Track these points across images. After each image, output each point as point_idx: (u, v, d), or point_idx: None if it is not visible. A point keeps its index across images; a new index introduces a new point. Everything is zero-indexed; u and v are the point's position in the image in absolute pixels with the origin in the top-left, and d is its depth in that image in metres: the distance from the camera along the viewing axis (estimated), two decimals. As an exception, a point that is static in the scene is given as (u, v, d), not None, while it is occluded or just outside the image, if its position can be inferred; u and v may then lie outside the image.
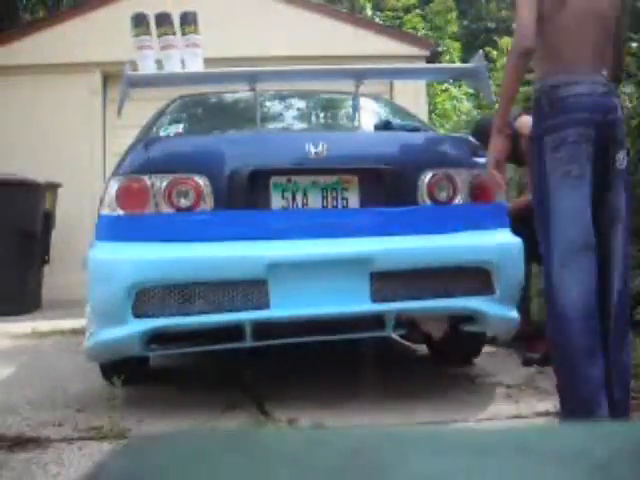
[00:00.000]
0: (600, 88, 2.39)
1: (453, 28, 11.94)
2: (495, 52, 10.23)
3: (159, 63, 3.44)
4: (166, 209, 2.92)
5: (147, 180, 2.91)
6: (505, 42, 10.43)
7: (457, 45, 11.85)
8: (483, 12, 16.80)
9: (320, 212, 3.03)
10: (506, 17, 16.61)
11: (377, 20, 11.91)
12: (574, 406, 2.29)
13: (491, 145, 2.49)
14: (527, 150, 2.56)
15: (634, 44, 5.53)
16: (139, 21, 3.46)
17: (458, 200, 3.13)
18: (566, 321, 2.29)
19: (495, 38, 11.02)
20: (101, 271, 2.94)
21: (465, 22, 14.50)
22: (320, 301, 2.86)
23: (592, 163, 2.35)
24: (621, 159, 2.42)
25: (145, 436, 2.14)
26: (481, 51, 3.48)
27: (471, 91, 11.34)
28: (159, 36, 3.44)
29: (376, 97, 4.31)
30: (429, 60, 8.35)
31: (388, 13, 12.08)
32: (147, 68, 3.38)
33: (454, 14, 11.96)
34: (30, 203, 6.44)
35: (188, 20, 3.47)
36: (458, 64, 9.86)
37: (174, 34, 3.43)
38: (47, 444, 2.51)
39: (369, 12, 12.19)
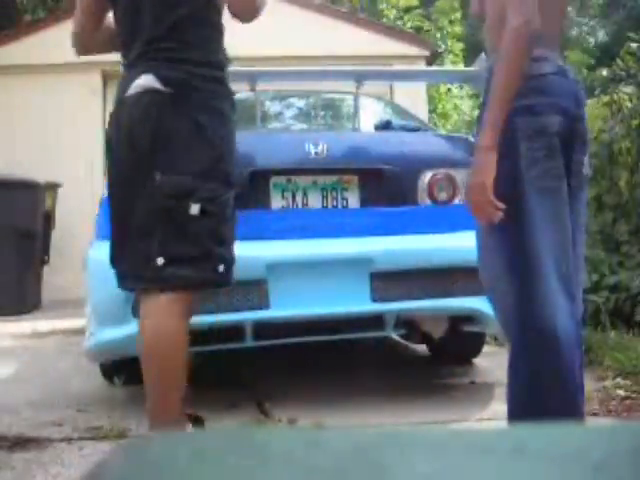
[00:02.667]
0: (572, 72, 1.97)
1: (457, 29, 11.92)
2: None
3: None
4: (166, 209, 2.92)
5: (147, 180, 2.91)
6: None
7: (460, 46, 11.84)
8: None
9: (320, 212, 3.03)
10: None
11: (390, 17, 11.89)
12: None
13: (484, 166, 1.83)
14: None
15: (634, 44, 5.53)
16: None
17: (458, 200, 3.13)
18: (559, 346, 1.82)
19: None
20: (101, 271, 2.93)
21: (469, 22, 14.49)
22: (320, 301, 2.86)
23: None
24: (586, 164, 2.01)
25: (145, 436, 2.14)
26: (484, 54, 3.47)
27: (472, 91, 11.35)
28: None
29: (376, 97, 4.31)
30: (429, 60, 8.35)
31: (399, 13, 12.07)
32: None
33: (458, 14, 11.95)
34: (30, 203, 6.44)
35: None
36: (461, 67, 9.86)
37: None
38: (47, 444, 2.51)
39: (391, 11, 12.15)
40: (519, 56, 1.81)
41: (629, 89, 5.24)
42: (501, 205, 1.80)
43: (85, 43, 2.45)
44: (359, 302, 2.88)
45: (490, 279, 2.04)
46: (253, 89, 3.30)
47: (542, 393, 1.84)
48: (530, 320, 1.85)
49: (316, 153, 3.00)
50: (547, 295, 1.83)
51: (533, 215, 1.84)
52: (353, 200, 3.07)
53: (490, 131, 1.81)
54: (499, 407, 2.90)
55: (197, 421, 2.40)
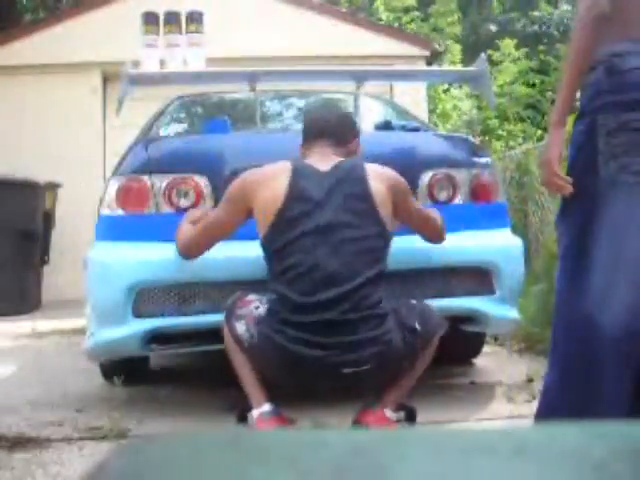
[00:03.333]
0: None
1: (455, 30, 11.93)
2: (497, 54, 10.23)
3: (162, 62, 3.44)
4: (166, 209, 2.93)
5: (147, 180, 2.91)
6: (507, 44, 10.42)
7: (457, 47, 11.84)
8: (489, 13, 16.81)
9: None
10: (509, 19, 16.63)
11: (384, 18, 11.89)
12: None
13: (551, 143, 1.96)
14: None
15: None
16: (149, 19, 3.47)
17: (458, 200, 3.13)
18: (602, 344, 1.80)
19: (497, 41, 11.01)
20: (101, 271, 2.94)
21: (467, 23, 14.51)
22: (320, 301, 2.86)
23: None
24: None
25: (145, 436, 2.14)
26: (483, 54, 3.47)
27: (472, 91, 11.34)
28: (166, 34, 3.45)
29: (376, 97, 4.31)
30: (429, 60, 8.35)
31: (394, 14, 12.07)
32: (150, 67, 3.38)
33: (456, 16, 11.96)
34: (30, 203, 6.44)
35: (194, 19, 3.47)
36: (460, 67, 9.86)
37: (180, 33, 3.44)
38: (47, 444, 2.51)
39: (381, 8, 12.15)
40: (582, 37, 1.89)
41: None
42: (568, 179, 1.90)
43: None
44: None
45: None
46: (253, 89, 3.30)
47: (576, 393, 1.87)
48: (573, 307, 1.87)
49: (316, 153, 2.99)
50: (598, 285, 1.84)
51: (603, 210, 1.86)
52: (353, 200, 3.06)
53: (558, 107, 1.93)
54: (499, 407, 2.90)
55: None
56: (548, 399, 1.92)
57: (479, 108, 10.31)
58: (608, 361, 1.80)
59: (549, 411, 1.89)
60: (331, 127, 2.70)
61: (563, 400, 1.88)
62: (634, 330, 1.80)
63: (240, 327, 2.49)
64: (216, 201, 2.94)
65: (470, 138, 3.45)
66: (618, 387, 1.81)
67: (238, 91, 3.89)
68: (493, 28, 16.51)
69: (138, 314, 2.78)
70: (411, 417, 2.49)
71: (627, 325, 1.79)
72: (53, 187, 6.87)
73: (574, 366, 1.86)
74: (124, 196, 2.93)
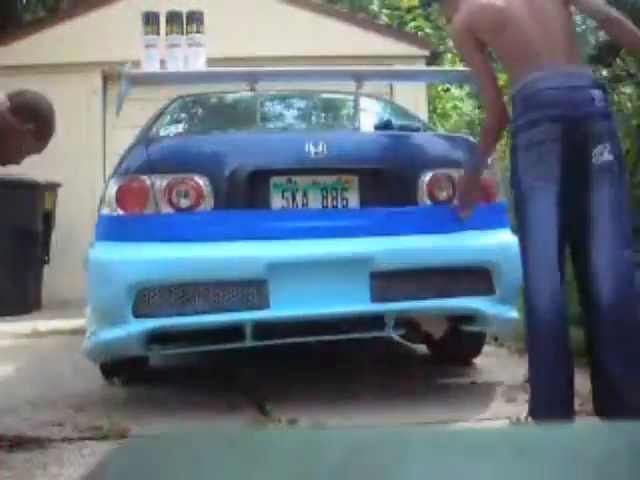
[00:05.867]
0: (570, 81, 2.30)
1: (456, 29, 11.91)
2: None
3: (163, 62, 3.44)
4: (166, 209, 2.93)
5: (147, 180, 2.91)
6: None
7: None
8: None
9: (320, 212, 3.03)
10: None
11: (383, 18, 11.88)
12: (541, 406, 2.29)
13: (465, 185, 2.79)
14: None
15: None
16: (149, 19, 3.47)
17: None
18: (538, 321, 2.29)
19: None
20: (101, 271, 2.94)
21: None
22: (320, 301, 2.86)
23: (566, 163, 2.25)
24: (598, 154, 2.27)
25: (145, 436, 2.13)
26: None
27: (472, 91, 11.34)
28: (167, 34, 3.45)
29: (376, 97, 4.31)
30: (429, 60, 8.34)
31: (394, 12, 12.07)
32: (150, 67, 3.38)
33: None
34: (30, 203, 6.44)
35: (194, 19, 3.47)
36: (460, 67, 9.84)
37: (182, 33, 3.44)
38: (47, 444, 2.51)
39: (375, 8, 12.15)
40: (485, 139, 2.67)
41: (629, 89, 5.24)
42: (465, 213, 2.98)
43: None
44: (359, 302, 2.88)
45: None
46: (253, 89, 3.31)
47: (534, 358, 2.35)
48: (526, 295, 2.39)
49: (316, 153, 2.99)
50: (531, 275, 2.35)
51: (525, 211, 2.33)
52: (353, 200, 3.06)
53: (476, 162, 2.82)
54: (499, 407, 2.90)
55: None
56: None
57: (479, 108, 10.30)
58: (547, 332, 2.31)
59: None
60: None
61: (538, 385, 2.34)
62: (558, 315, 2.28)
63: None
64: (216, 201, 2.95)
65: (470, 138, 3.45)
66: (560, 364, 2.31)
67: (238, 91, 3.89)
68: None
69: (138, 314, 2.78)
70: None
71: (554, 313, 2.27)
72: (53, 187, 6.87)
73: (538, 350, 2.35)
74: (124, 196, 2.93)
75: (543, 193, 2.27)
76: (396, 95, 7.33)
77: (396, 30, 9.55)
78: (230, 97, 4.13)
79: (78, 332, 4.19)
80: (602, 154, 2.27)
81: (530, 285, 2.34)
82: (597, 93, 2.31)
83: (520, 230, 2.38)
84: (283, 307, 2.83)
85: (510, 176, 2.40)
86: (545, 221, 2.29)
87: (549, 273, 2.29)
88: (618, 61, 5.63)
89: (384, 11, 12.21)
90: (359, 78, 3.41)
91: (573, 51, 2.40)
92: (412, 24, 11.68)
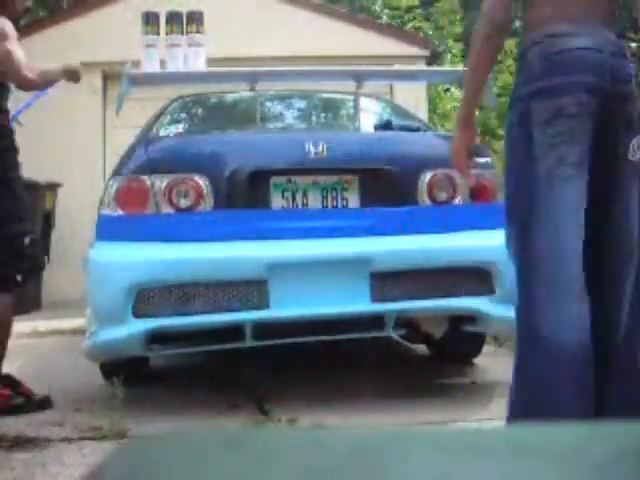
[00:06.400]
0: (611, 46, 1.76)
1: (457, 29, 11.91)
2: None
3: (163, 62, 3.44)
4: (166, 209, 2.93)
5: (147, 180, 2.91)
6: (509, 44, 10.41)
7: (459, 46, 11.84)
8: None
9: (320, 212, 3.03)
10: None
11: (384, 18, 11.88)
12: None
13: (456, 137, 1.97)
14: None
15: (633, 44, 5.53)
16: (149, 19, 3.47)
17: (458, 200, 3.13)
18: (556, 366, 1.69)
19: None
20: (101, 271, 2.94)
21: (467, 22, 14.50)
22: (320, 301, 2.86)
23: (597, 149, 1.73)
24: (636, 148, 1.76)
25: (145, 436, 2.13)
26: None
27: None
28: (167, 34, 3.45)
29: (376, 97, 4.31)
30: (429, 60, 8.34)
31: (395, 12, 12.06)
32: (150, 67, 3.38)
33: (458, 16, 11.94)
34: (30, 203, 6.42)
35: (194, 19, 3.48)
36: (460, 68, 9.85)
37: (182, 33, 3.44)
38: (47, 444, 2.51)
39: (377, 8, 12.15)
40: (476, 52, 1.85)
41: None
42: (469, 173, 2.17)
43: None
44: (359, 302, 2.88)
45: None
46: (253, 89, 3.30)
47: (536, 405, 1.73)
48: (528, 325, 1.75)
49: (316, 153, 3.00)
50: (546, 299, 1.70)
51: (544, 204, 1.71)
52: (353, 200, 3.06)
53: (460, 121, 1.99)
54: (499, 407, 2.90)
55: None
56: (513, 402, 1.82)
57: (480, 108, 10.30)
58: (565, 377, 1.69)
59: (516, 412, 1.79)
60: None
61: (527, 408, 1.77)
62: (585, 344, 1.68)
63: None
64: (216, 201, 2.95)
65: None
66: (579, 402, 1.69)
67: (238, 91, 3.89)
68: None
69: (138, 314, 2.78)
70: None
71: (578, 341, 1.68)
72: (53, 187, 6.86)
73: (535, 382, 1.76)
74: (124, 196, 2.93)
75: (571, 184, 1.70)
76: (396, 95, 7.33)
77: (396, 30, 9.54)
78: (230, 97, 4.13)
79: (78, 332, 4.19)
80: (631, 152, 1.78)
81: (544, 312, 1.71)
82: (633, 70, 1.82)
83: (525, 230, 1.75)
84: (283, 307, 2.83)
85: (510, 157, 1.81)
86: (573, 221, 1.71)
87: (575, 296, 1.69)
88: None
89: (385, 11, 12.22)
90: (359, 78, 3.41)
91: (612, 13, 1.86)
92: (412, 24, 11.67)
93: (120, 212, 2.93)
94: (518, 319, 1.81)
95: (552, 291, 1.71)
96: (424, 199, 3.08)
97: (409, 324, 3.21)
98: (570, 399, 1.68)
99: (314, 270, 2.88)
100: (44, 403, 3.08)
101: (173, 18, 3.47)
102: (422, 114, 7.02)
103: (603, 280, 1.77)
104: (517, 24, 16.08)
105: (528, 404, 1.75)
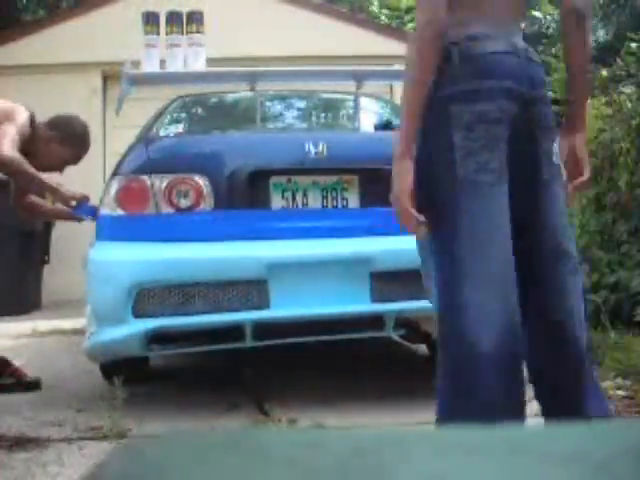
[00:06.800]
0: (526, 51, 1.71)
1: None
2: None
3: (163, 62, 3.45)
4: (166, 209, 2.93)
5: (147, 180, 2.91)
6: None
7: None
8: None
9: (320, 212, 3.03)
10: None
11: (383, 18, 11.89)
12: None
13: (398, 175, 1.65)
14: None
15: (634, 44, 5.53)
16: (149, 19, 3.47)
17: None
18: (480, 370, 1.61)
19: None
20: (101, 271, 2.94)
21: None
22: (320, 301, 2.86)
23: (514, 156, 1.66)
24: (551, 154, 1.72)
25: (145, 436, 2.14)
26: None
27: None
28: (168, 34, 3.45)
29: (376, 97, 4.31)
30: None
31: (394, 13, 12.08)
32: (150, 67, 3.38)
33: None
34: (30, 203, 6.43)
35: (195, 19, 3.48)
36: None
37: (182, 33, 3.44)
38: (47, 444, 2.51)
39: (375, 9, 12.16)
40: (423, 60, 1.64)
41: (629, 89, 5.24)
42: (420, 217, 1.64)
43: None
44: (359, 302, 2.88)
45: (426, 282, 1.85)
46: (253, 89, 3.30)
47: (461, 411, 1.64)
48: (450, 329, 1.67)
49: (316, 153, 3.00)
50: (470, 302, 1.62)
51: (463, 215, 1.63)
52: (353, 200, 3.06)
53: (403, 139, 1.65)
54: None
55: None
56: (441, 403, 1.72)
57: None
58: (489, 379, 1.60)
59: (445, 415, 1.69)
60: None
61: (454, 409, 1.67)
62: (513, 350, 1.61)
63: None
64: (216, 201, 2.95)
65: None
66: (507, 401, 1.62)
67: (238, 91, 3.89)
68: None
69: (138, 314, 2.79)
70: None
71: (506, 346, 1.60)
72: (53, 187, 6.87)
73: (458, 383, 1.66)
74: (124, 196, 2.93)
75: (492, 191, 1.63)
76: (396, 95, 7.33)
77: (396, 30, 9.55)
78: (230, 97, 4.13)
79: (78, 332, 4.19)
80: (555, 154, 1.73)
81: (467, 313, 1.62)
82: (543, 73, 1.77)
83: (445, 233, 1.67)
84: (283, 307, 2.83)
85: (426, 155, 1.67)
86: (497, 228, 1.64)
87: (502, 297, 1.62)
88: (618, 61, 5.63)
89: (384, 11, 12.22)
90: (359, 78, 3.41)
91: (524, 15, 1.82)
92: (412, 24, 11.68)
93: (120, 212, 2.93)
94: (441, 320, 1.72)
95: (473, 295, 1.62)
96: (424, 199, 3.08)
97: (409, 324, 3.21)
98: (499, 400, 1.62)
99: (314, 270, 2.88)
100: (32, 384, 3.13)
101: (173, 18, 3.47)
102: (422, 114, 7.02)
103: (527, 284, 1.69)
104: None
105: (454, 404, 1.68)
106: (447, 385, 1.69)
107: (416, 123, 1.64)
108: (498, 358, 1.59)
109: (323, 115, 4.22)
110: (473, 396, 1.62)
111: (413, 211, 1.63)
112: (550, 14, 16.14)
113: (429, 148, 1.67)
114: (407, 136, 1.65)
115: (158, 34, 3.46)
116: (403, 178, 1.63)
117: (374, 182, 3.07)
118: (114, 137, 7.38)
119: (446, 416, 1.67)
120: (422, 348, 4.01)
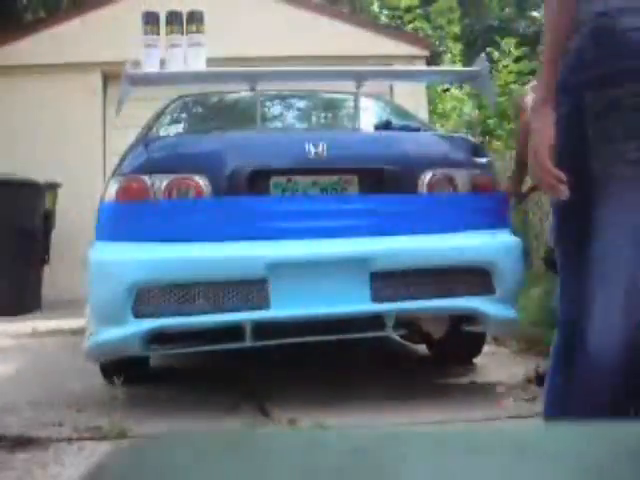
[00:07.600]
0: None
1: (455, 29, 11.93)
2: (497, 53, 10.21)
3: (163, 62, 3.44)
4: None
5: (147, 180, 2.91)
6: (507, 42, 10.42)
7: (458, 46, 11.84)
8: (488, 12, 16.80)
9: (320, 212, 3.03)
10: (508, 17, 16.62)
11: (383, 18, 11.90)
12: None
13: (538, 128, 1.54)
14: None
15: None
16: (149, 19, 3.47)
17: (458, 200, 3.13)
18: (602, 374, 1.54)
19: (497, 39, 11.01)
20: (101, 271, 2.94)
21: (467, 21, 14.50)
22: (320, 301, 2.86)
23: None
24: None
25: (145, 436, 2.15)
26: (483, 54, 3.48)
27: (472, 91, 11.34)
28: (168, 34, 3.45)
29: (376, 97, 4.31)
30: (429, 60, 8.35)
31: (394, 12, 12.08)
32: (150, 67, 3.38)
33: (456, 15, 11.95)
34: (30, 203, 6.44)
35: (195, 19, 3.48)
36: (460, 67, 9.86)
37: (182, 33, 3.44)
38: (47, 444, 2.51)
39: (376, 9, 12.17)
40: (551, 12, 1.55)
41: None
42: (560, 174, 1.49)
43: None
44: (359, 302, 2.88)
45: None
46: (253, 89, 3.31)
47: (566, 407, 1.61)
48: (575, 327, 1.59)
49: (316, 153, 3.00)
50: (595, 309, 1.53)
51: (599, 212, 1.51)
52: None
53: (543, 83, 1.55)
54: (499, 407, 2.90)
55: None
56: (552, 399, 1.68)
57: (480, 108, 10.30)
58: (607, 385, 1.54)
59: (555, 410, 1.66)
60: None
61: (570, 403, 1.62)
62: (632, 365, 1.53)
63: None
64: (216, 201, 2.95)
65: (470, 138, 3.46)
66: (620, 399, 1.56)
67: (238, 91, 3.89)
68: (494, 24, 16.50)
69: (138, 314, 2.78)
70: None
71: (626, 360, 1.53)
72: (53, 187, 6.87)
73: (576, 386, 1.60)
74: (124, 196, 2.93)
75: (628, 183, 1.48)
76: (396, 95, 7.33)
77: (396, 30, 9.55)
78: (230, 97, 4.13)
79: (78, 332, 4.19)
80: None
81: (599, 317, 1.52)
82: None
83: (579, 231, 1.55)
84: (283, 307, 2.83)
85: (569, 155, 1.54)
86: (630, 225, 1.51)
87: (626, 308, 1.51)
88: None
89: (384, 12, 12.23)
90: (359, 78, 3.41)
91: None
92: (412, 25, 11.68)
93: (120, 212, 2.93)
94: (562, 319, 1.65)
95: (612, 295, 1.53)
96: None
97: (409, 324, 3.21)
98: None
99: (314, 270, 2.89)
100: None
101: (173, 18, 3.47)
102: (422, 114, 7.02)
103: None
104: (518, 27, 16.01)
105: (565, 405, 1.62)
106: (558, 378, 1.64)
107: (556, 70, 1.54)
108: (604, 364, 1.52)
109: (323, 115, 4.22)
110: (589, 398, 1.57)
111: (552, 167, 1.50)
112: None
113: (562, 142, 1.54)
114: (548, 82, 1.54)
115: (158, 34, 3.46)
116: (543, 131, 1.52)
117: (374, 182, 3.07)
118: (114, 137, 7.38)
119: (558, 413, 1.63)
120: (422, 348, 4.01)
